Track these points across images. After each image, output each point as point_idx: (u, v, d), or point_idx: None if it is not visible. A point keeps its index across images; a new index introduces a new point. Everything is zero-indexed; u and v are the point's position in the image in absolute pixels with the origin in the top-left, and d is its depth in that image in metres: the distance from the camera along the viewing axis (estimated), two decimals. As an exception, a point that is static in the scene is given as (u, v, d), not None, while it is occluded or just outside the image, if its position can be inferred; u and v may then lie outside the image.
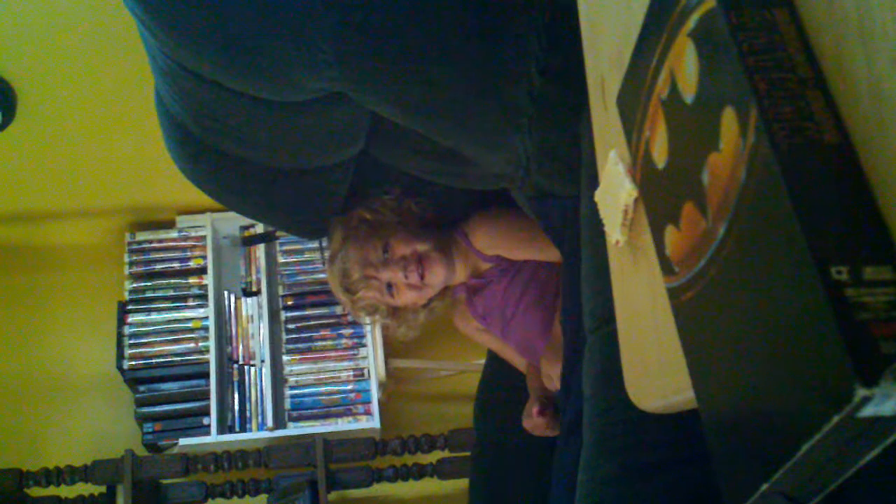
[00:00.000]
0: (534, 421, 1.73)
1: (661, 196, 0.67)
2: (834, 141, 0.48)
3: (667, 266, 0.65)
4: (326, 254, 1.89)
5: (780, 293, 0.48)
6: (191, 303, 3.33)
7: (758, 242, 0.51)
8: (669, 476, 0.97)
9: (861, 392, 0.40)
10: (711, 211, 0.56)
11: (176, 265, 3.38)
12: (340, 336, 3.29)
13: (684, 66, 0.60)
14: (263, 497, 3.04)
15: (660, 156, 0.65)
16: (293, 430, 3.12)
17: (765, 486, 0.49)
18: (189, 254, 3.40)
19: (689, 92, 0.59)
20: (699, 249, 0.58)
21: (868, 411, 0.41)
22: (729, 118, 0.53)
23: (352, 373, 3.24)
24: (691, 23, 0.59)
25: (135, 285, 3.34)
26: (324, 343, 3.29)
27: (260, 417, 3.13)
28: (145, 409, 3.16)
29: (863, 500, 0.64)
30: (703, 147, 0.56)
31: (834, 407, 0.42)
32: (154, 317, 3.29)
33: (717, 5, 0.55)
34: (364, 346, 3.27)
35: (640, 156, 0.70)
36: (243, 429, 3.12)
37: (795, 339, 0.46)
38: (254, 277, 3.41)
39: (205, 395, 3.14)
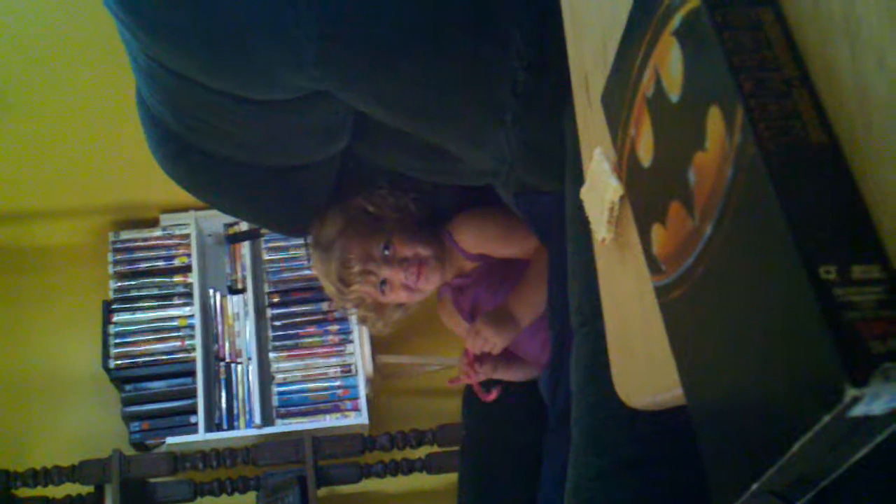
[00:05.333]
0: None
1: (647, 195, 0.67)
2: (820, 140, 0.48)
3: (654, 264, 0.65)
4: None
5: (768, 293, 0.48)
6: (176, 301, 3.32)
7: (745, 242, 0.51)
8: (658, 472, 0.97)
9: (851, 392, 0.40)
10: (698, 210, 0.56)
11: (160, 264, 3.37)
12: (327, 332, 3.29)
13: (669, 64, 0.60)
14: (252, 495, 3.03)
15: (645, 154, 0.65)
16: (281, 427, 3.12)
17: (755, 485, 0.49)
18: (173, 252, 3.38)
19: (674, 91, 0.59)
20: (686, 248, 0.57)
21: (858, 411, 0.41)
22: (715, 117, 0.53)
23: (339, 369, 3.24)
24: (676, 21, 0.59)
25: (119, 284, 3.32)
26: (310, 339, 3.28)
27: (248, 415, 3.13)
28: (132, 409, 3.15)
29: (853, 498, 0.64)
30: (689, 146, 0.56)
31: (824, 407, 0.42)
32: (139, 316, 3.28)
33: (701, 4, 0.55)
34: (351, 342, 3.26)
35: (626, 154, 0.70)
36: (231, 427, 3.12)
37: (784, 338, 0.46)
38: (239, 275, 3.40)
39: (192, 394, 3.13)
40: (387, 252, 1.74)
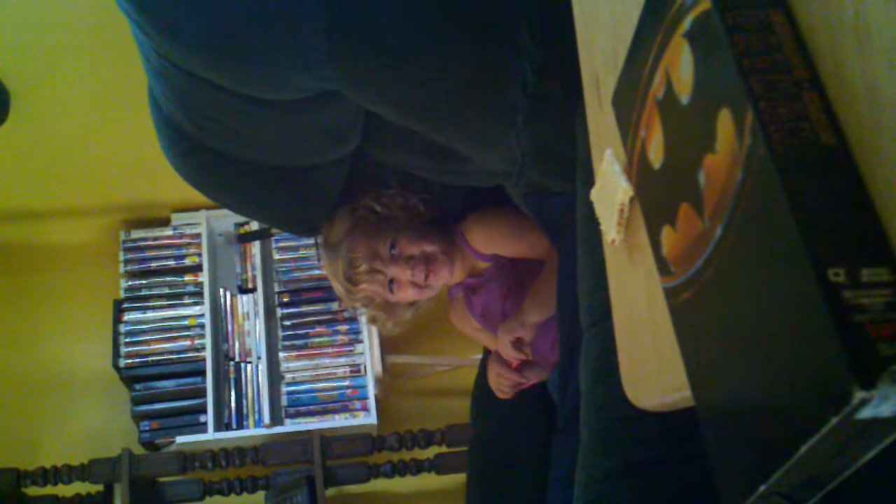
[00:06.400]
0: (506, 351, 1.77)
1: (657, 196, 0.67)
2: (830, 142, 0.48)
3: (663, 266, 0.65)
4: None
5: (777, 295, 0.48)
6: (186, 300, 3.33)
7: (755, 244, 0.51)
8: (666, 473, 0.97)
9: (859, 394, 0.40)
10: (708, 212, 0.56)
11: (171, 263, 3.38)
12: (336, 332, 3.29)
13: (679, 66, 0.60)
14: (261, 494, 3.03)
15: (656, 156, 0.65)
16: (290, 426, 3.12)
17: (763, 487, 0.49)
18: (184, 251, 3.39)
19: (684, 93, 0.59)
20: (696, 250, 0.58)
21: (866, 413, 0.41)
22: (725, 119, 0.53)
23: (348, 369, 3.24)
24: (686, 23, 0.59)
25: (130, 283, 3.34)
26: (320, 339, 3.29)
27: (257, 414, 3.13)
28: (142, 408, 3.16)
29: (861, 500, 0.64)
30: (700, 148, 0.56)
31: (832, 409, 0.42)
32: (150, 315, 3.29)
33: (712, 6, 0.55)
34: (360, 342, 3.27)
35: (636, 156, 0.70)
36: (240, 426, 3.13)
37: (793, 340, 0.46)
38: (249, 274, 3.41)
39: (201, 393, 3.14)
40: (393, 251, 1.74)
